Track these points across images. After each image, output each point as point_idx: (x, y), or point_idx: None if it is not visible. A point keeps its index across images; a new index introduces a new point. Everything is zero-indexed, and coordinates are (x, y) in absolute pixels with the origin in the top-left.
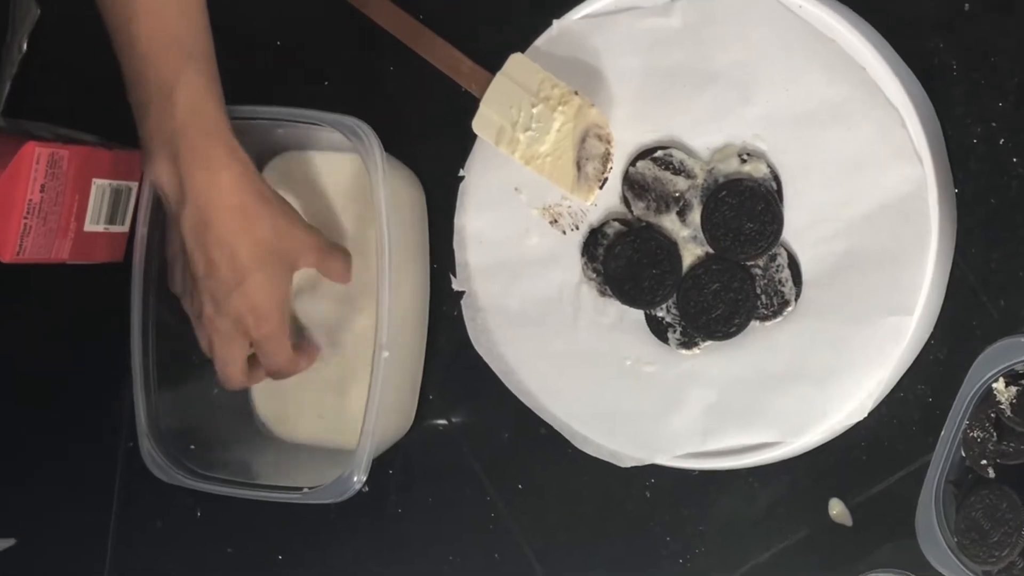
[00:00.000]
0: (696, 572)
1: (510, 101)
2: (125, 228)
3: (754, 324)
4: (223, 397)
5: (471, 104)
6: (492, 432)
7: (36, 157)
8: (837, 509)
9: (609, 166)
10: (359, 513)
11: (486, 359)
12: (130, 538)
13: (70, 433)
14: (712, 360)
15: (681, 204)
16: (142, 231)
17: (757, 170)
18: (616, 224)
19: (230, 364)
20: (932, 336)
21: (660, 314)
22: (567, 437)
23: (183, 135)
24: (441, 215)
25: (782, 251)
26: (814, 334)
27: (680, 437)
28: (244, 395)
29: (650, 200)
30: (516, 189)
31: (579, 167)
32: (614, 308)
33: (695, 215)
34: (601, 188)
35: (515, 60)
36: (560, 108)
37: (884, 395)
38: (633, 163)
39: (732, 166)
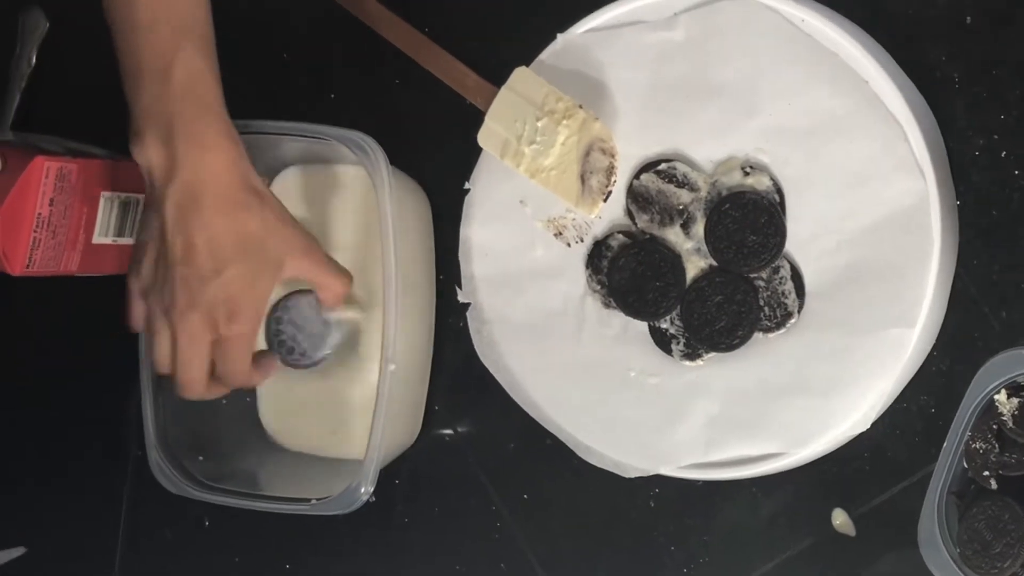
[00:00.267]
0: None
1: (515, 115)
2: (133, 240)
3: (757, 336)
4: (231, 408)
5: (476, 117)
6: (497, 442)
7: (45, 171)
8: (840, 519)
9: (613, 179)
10: (366, 522)
11: (491, 370)
12: (138, 547)
13: (79, 442)
14: (716, 371)
15: (685, 217)
16: None
17: (760, 183)
18: (620, 236)
19: (194, 368)
20: (934, 348)
21: (664, 326)
22: (572, 448)
23: (178, 112)
24: (447, 227)
25: (785, 263)
26: (817, 346)
27: (684, 448)
28: (252, 406)
29: (654, 213)
30: (521, 202)
31: (583, 180)
32: (618, 320)
33: (699, 227)
34: (605, 201)
35: (520, 74)
36: (565, 121)
37: (887, 406)
38: (637, 176)
39: (735, 179)
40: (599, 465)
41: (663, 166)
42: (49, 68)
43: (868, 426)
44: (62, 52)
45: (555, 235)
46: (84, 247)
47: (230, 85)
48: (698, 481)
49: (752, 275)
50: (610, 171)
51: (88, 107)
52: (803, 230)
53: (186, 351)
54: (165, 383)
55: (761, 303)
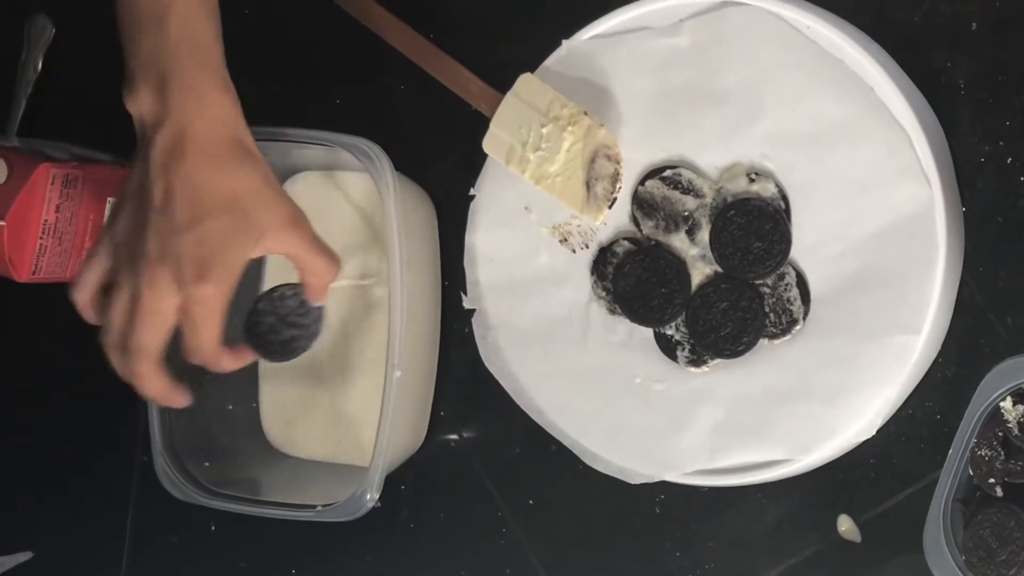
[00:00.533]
0: None
1: (520, 121)
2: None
3: (763, 342)
4: (237, 414)
5: (481, 123)
6: (503, 448)
7: (51, 178)
8: (846, 526)
9: (618, 186)
10: (371, 528)
11: (497, 376)
12: (145, 552)
13: (85, 448)
14: (721, 378)
15: (690, 223)
16: None
17: (765, 189)
18: (625, 243)
19: (150, 329)
20: (940, 354)
21: (669, 332)
22: (577, 453)
23: (174, 63)
24: (452, 233)
25: (790, 270)
26: (822, 352)
27: (689, 454)
28: (257, 412)
29: (659, 219)
30: (526, 208)
31: (589, 187)
32: (623, 326)
33: (704, 234)
34: (610, 207)
35: (525, 80)
36: (570, 128)
37: (892, 413)
38: (642, 182)
39: (740, 185)
40: (604, 471)
41: (668, 172)
42: (55, 74)
43: (873, 433)
44: (68, 58)
45: (560, 241)
46: None
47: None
48: (703, 487)
49: (757, 281)
50: (615, 177)
51: (94, 113)
52: (808, 236)
53: (146, 305)
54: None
55: (766, 310)
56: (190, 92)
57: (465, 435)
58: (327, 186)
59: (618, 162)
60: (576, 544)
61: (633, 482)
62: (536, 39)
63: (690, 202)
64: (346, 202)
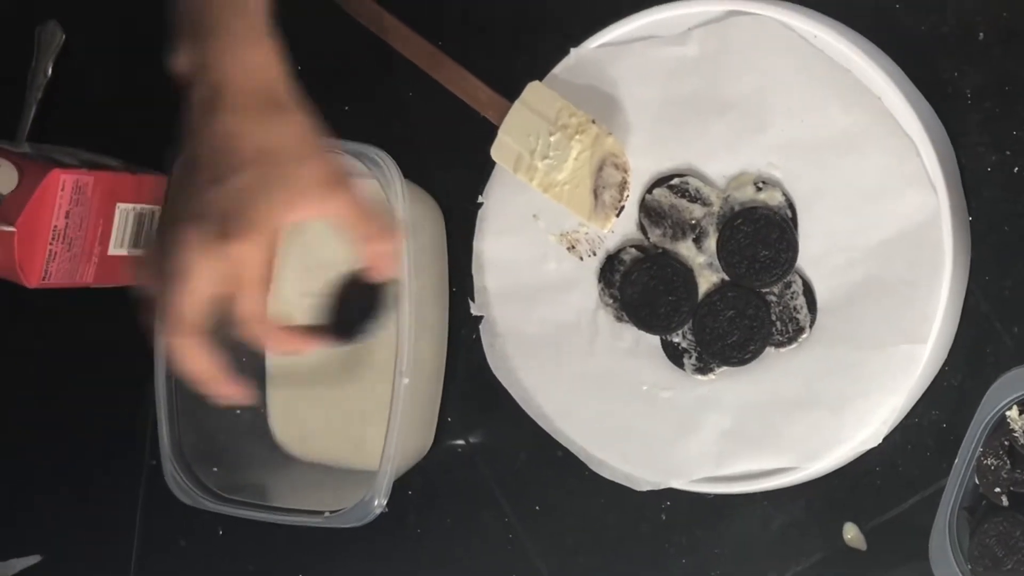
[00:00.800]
0: None
1: (528, 129)
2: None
3: (769, 350)
4: (245, 419)
5: (489, 131)
6: (510, 454)
7: (61, 184)
8: (851, 533)
9: (626, 194)
10: (379, 533)
11: (504, 383)
12: (153, 556)
13: (94, 452)
14: (727, 386)
15: (697, 231)
16: None
17: (772, 198)
18: (633, 251)
19: (182, 290)
20: (946, 363)
21: (676, 340)
22: (583, 460)
23: (208, 12)
24: (460, 240)
25: (797, 278)
26: (829, 361)
27: (695, 462)
28: (264, 417)
29: (666, 227)
30: (534, 215)
31: (596, 195)
32: (630, 333)
33: (711, 242)
34: (618, 215)
35: (533, 88)
36: (578, 136)
37: (898, 422)
38: (650, 190)
39: (747, 194)
40: (610, 478)
41: (676, 181)
42: (65, 80)
43: (879, 441)
44: (78, 64)
45: (568, 249)
46: (100, 259)
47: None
48: (709, 495)
49: (764, 290)
50: (623, 186)
51: (104, 119)
52: (815, 245)
53: (173, 267)
54: (180, 395)
55: (773, 318)
56: (227, 42)
57: (472, 441)
58: None
59: (626, 170)
60: (582, 550)
61: (639, 489)
62: (544, 47)
63: (697, 210)
64: None
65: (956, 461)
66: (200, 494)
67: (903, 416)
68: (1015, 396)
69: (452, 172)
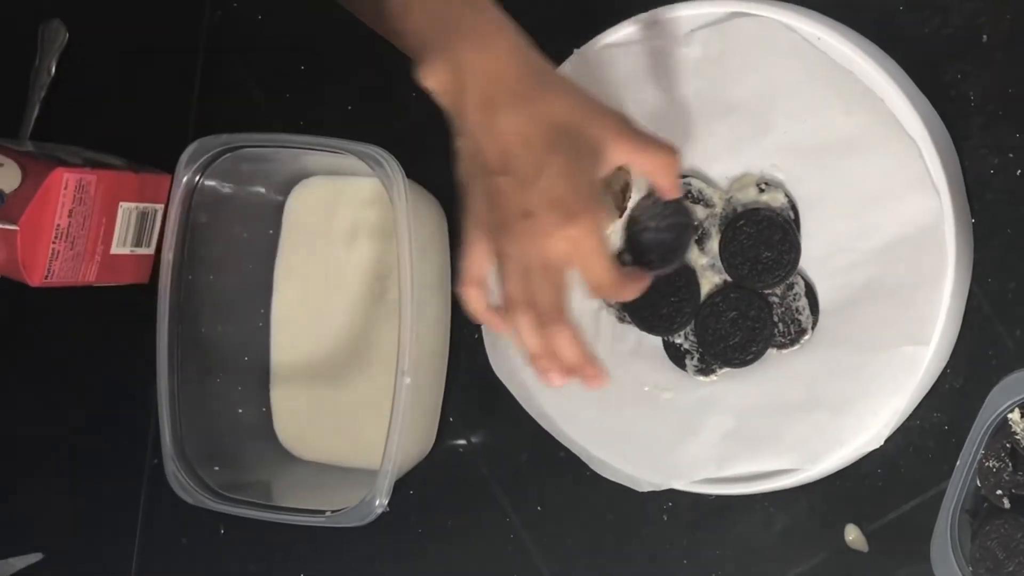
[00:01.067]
0: None
1: None
2: (151, 250)
3: (771, 352)
4: (247, 418)
5: None
6: (511, 454)
7: (64, 183)
8: (853, 535)
9: (628, 195)
10: (380, 532)
11: (505, 383)
12: (154, 554)
13: (96, 450)
14: (729, 387)
15: (700, 232)
16: (168, 256)
17: (775, 200)
18: None
19: (551, 282)
20: (948, 365)
21: (678, 341)
22: (585, 461)
23: (446, 19)
24: (462, 240)
25: (799, 280)
26: (831, 363)
27: (697, 463)
28: (267, 416)
29: None
30: None
31: None
32: (632, 334)
33: (713, 244)
34: (621, 216)
35: None
36: None
37: (900, 423)
38: (648, 195)
39: (750, 195)
40: (612, 479)
41: None
42: (68, 79)
43: (881, 443)
44: (81, 63)
45: None
46: (102, 257)
47: (249, 98)
48: (711, 496)
49: (766, 291)
50: (625, 187)
51: (107, 117)
52: (817, 247)
53: (535, 265)
54: (182, 394)
55: (775, 319)
56: (472, 41)
57: (474, 441)
58: (337, 191)
59: (628, 172)
60: (583, 551)
61: (641, 490)
62: (548, 48)
63: (700, 211)
64: (357, 208)
65: (958, 463)
66: (202, 493)
67: (905, 418)
68: (1017, 399)
69: (455, 172)
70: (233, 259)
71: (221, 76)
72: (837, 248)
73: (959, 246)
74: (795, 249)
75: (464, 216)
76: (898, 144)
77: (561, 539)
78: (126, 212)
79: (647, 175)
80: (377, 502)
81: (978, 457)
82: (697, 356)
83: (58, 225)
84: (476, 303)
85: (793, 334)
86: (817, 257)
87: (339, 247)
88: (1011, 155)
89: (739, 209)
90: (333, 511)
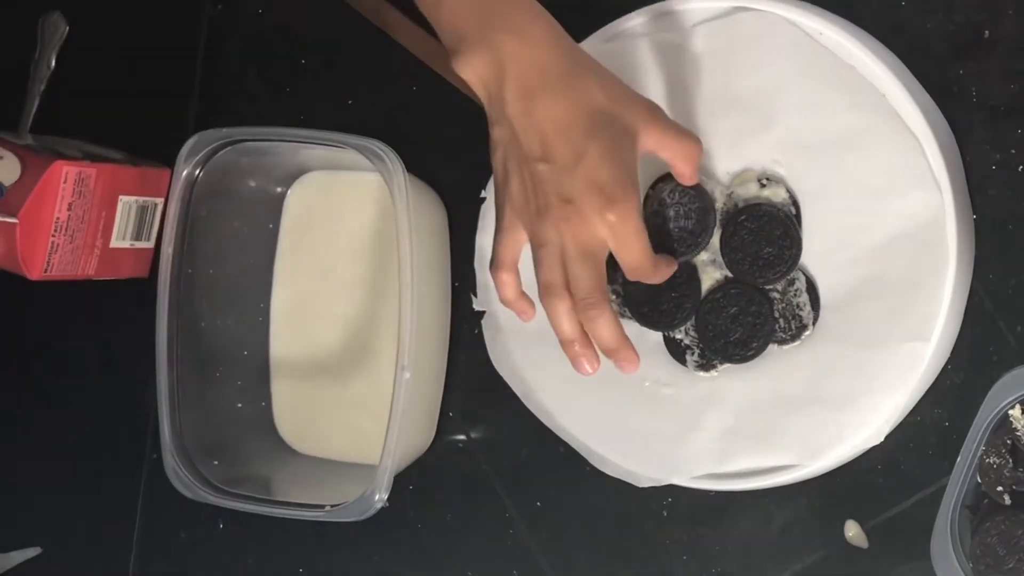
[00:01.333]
0: None
1: None
2: (150, 244)
3: (772, 348)
4: (247, 412)
5: None
6: (511, 449)
7: (64, 176)
8: (853, 531)
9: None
10: (379, 527)
11: (506, 379)
12: (153, 548)
13: (95, 445)
14: (730, 383)
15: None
16: (168, 250)
17: (776, 195)
18: None
19: (591, 266)
20: (949, 361)
21: (678, 336)
22: (585, 456)
23: (480, 5)
24: (462, 235)
25: (800, 275)
26: (831, 358)
27: (697, 458)
28: (267, 410)
29: None
30: None
31: None
32: (633, 330)
33: (714, 239)
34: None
35: None
36: None
37: (901, 420)
38: (653, 186)
39: (751, 191)
40: (612, 474)
41: None
42: (68, 72)
43: (882, 439)
44: (81, 56)
45: None
46: (102, 251)
47: (250, 92)
48: (711, 491)
49: (767, 287)
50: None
51: (107, 110)
52: (819, 243)
53: (574, 251)
54: (181, 388)
55: (776, 315)
56: (509, 31)
57: (473, 436)
58: (339, 186)
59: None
60: (583, 546)
61: (641, 485)
62: None
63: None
64: (358, 202)
65: (958, 459)
66: (201, 487)
67: (905, 414)
68: (1018, 395)
69: (455, 167)
70: (233, 253)
71: (221, 69)
72: (838, 244)
73: (960, 242)
74: (796, 245)
75: (498, 203)
76: (900, 140)
77: (561, 534)
78: (126, 205)
79: (670, 161)
80: (377, 497)
81: (979, 453)
82: (698, 352)
83: (57, 218)
84: (508, 289)
85: (794, 330)
86: (818, 253)
87: (339, 241)
88: (1013, 151)
89: (740, 204)
90: (332, 506)
